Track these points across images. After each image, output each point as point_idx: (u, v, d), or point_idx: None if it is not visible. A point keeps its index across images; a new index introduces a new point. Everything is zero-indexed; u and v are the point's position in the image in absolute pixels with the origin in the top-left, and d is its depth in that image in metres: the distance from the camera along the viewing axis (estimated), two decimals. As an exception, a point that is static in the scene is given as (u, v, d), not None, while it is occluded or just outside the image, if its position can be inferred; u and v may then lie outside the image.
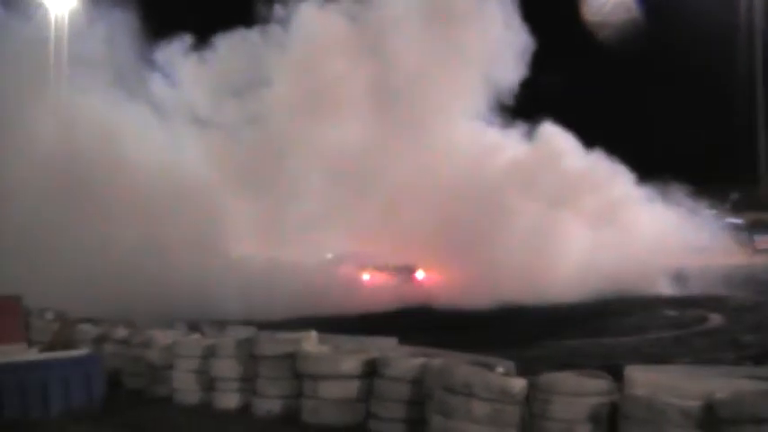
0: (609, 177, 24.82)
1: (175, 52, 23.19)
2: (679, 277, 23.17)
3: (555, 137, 24.81)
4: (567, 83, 40.00)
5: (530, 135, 24.85)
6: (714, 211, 35.10)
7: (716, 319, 17.25)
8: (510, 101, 24.26)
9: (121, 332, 11.39)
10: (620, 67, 42.77)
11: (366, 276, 22.29)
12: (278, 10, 23.56)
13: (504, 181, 22.69)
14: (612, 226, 23.41)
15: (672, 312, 18.88)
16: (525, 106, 25.20)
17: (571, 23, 38.27)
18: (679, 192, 25.97)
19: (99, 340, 11.43)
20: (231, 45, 23.47)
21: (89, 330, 11.74)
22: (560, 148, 24.58)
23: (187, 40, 23.17)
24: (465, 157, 23.02)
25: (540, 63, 24.68)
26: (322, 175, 22.38)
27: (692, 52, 40.02)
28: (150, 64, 23.15)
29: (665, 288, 22.55)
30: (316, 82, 22.63)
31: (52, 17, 27.50)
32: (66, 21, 27.28)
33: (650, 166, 25.99)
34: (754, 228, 36.78)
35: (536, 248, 21.52)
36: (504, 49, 23.56)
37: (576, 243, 22.28)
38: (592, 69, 42.04)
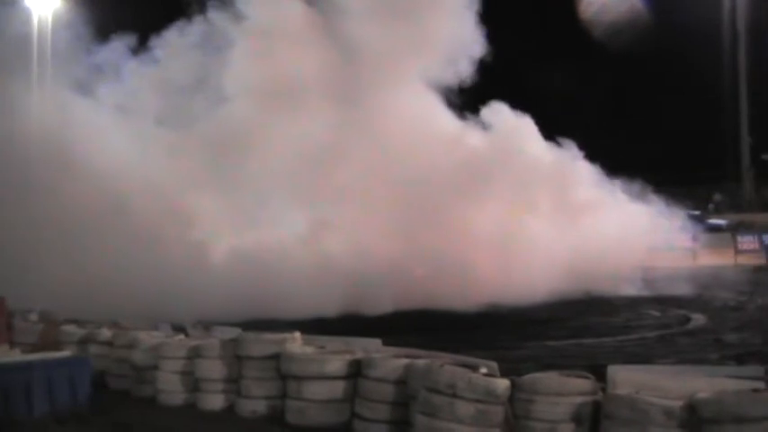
0: (575, 174, 24.70)
1: (122, 52, 22.90)
2: (647, 278, 23.29)
3: (513, 124, 24.40)
4: (551, 80, 40.01)
5: (486, 125, 24.48)
6: (697, 212, 35.39)
7: (699, 320, 17.39)
8: (472, 91, 23.94)
9: (105, 333, 11.35)
10: (607, 66, 42.93)
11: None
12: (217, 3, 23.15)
13: (465, 174, 22.26)
14: (579, 224, 23.26)
15: (655, 312, 19.01)
16: (491, 97, 24.94)
17: (549, 17, 38.35)
18: (656, 191, 25.96)
19: (83, 341, 11.38)
20: (179, 41, 23.05)
21: (73, 332, 11.67)
22: (521, 139, 24.28)
23: (131, 39, 22.89)
24: (426, 151, 22.55)
25: (516, 56, 24.44)
26: (283, 167, 21.99)
27: (676, 52, 40.27)
28: (101, 65, 22.90)
29: (633, 289, 22.59)
30: (271, 72, 22.22)
31: (35, 18, 27.38)
32: (50, 22, 27.16)
33: (630, 165, 26.01)
34: (737, 229, 37.12)
35: (500, 247, 21.38)
36: (465, 39, 23.25)
37: (541, 242, 22.09)
38: (581, 69, 42.09)
